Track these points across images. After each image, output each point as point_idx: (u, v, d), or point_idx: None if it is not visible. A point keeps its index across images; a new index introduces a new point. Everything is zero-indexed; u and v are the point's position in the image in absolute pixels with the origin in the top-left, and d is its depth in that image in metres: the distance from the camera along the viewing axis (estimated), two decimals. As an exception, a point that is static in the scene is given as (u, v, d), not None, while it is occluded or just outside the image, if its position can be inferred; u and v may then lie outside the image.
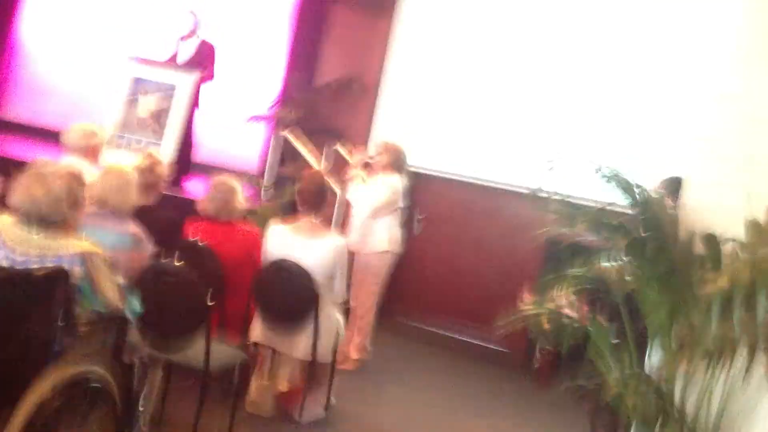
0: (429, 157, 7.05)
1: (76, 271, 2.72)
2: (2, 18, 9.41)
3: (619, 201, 3.31)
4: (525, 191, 5.66)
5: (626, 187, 3.15)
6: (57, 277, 2.67)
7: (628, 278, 3.24)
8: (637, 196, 3.12)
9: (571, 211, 3.24)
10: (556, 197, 3.43)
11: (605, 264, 3.26)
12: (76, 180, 2.81)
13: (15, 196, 2.78)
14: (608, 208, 3.23)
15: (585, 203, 3.69)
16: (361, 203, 5.36)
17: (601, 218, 3.12)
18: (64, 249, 2.74)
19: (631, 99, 6.47)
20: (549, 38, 6.79)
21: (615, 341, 3.26)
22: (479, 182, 6.95)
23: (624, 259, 3.20)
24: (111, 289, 2.82)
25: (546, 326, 5.40)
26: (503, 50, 6.98)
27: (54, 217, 2.75)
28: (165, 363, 3.71)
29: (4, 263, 2.71)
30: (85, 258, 2.75)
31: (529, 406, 5.50)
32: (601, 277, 3.27)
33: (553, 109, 6.73)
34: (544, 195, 3.47)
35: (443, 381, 5.77)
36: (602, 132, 6.49)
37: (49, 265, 2.69)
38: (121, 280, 2.93)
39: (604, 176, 3.20)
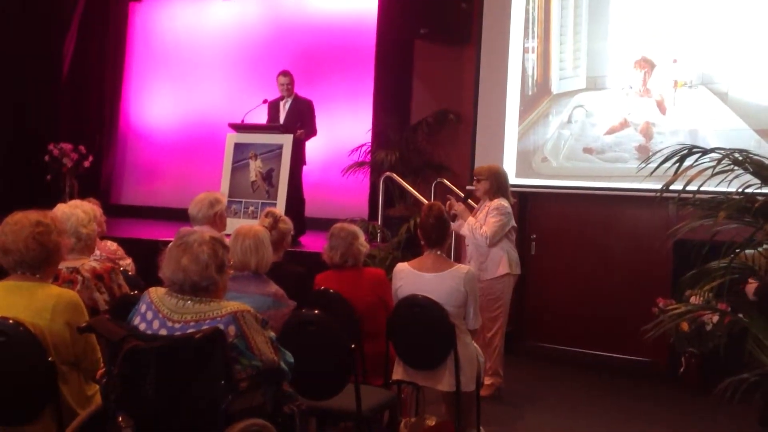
0: (536, 174, 7.01)
1: (231, 330, 2.83)
2: (110, 109, 9.97)
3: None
4: (645, 194, 5.54)
5: (758, 169, 3.04)
6: (215, 338, 2.77)
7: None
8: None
9: (712, 203, 3.13)
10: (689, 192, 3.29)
11: (749, 252, 3.15)
12: (219, 244, 2.93)
13: (164, 267, 2.91)
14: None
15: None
16: (475, 233, 5.34)
17: (744, 204, 2.99)
18: (217, 311, 2.85)
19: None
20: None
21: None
22: (591, 192, 6.79)
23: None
24: (264, 344, 2.92)
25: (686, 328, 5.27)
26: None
27: (204, 282, 2.87)
28: (317, 410, 3.78)
29: (163, 332, 2.84)
30: (237, 317, 2.85)
31: (685, 413, 5.35)
32: (746, 266, 3.15)
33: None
34: (673, 194, 3.35)
35: (587, 399, 5.66)
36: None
37: (206, 328, 2.80)
38: (272, 334, 3.02)
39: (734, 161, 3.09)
